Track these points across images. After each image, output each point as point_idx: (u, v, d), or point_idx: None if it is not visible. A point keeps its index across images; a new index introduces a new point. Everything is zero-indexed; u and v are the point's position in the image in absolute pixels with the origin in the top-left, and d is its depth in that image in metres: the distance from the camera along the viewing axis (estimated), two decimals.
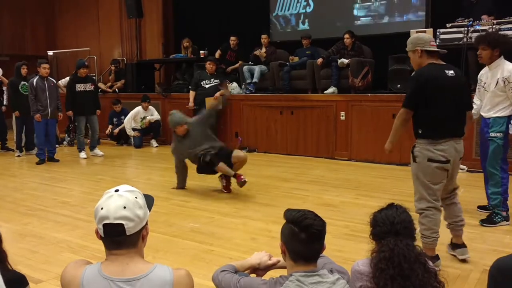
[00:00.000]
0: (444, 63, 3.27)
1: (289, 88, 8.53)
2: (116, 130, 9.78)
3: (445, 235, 3.44)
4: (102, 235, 1.64)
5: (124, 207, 1.61)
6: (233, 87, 9.16)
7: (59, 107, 7.93)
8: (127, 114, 9.58)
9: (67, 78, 10.26)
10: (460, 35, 6.62)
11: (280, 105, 8.36)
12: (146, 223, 1.69)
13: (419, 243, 2.05)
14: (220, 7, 10.61)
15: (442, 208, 3.31)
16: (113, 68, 11.23)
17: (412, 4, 8.49)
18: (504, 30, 6.05)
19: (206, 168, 5.42)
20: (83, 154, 8.23)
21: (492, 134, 4.16)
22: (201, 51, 9.85)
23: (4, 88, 9.02)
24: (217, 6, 10.64)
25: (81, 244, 3.88)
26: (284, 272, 1.91)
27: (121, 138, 9.86)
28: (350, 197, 5.33)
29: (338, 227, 4.20)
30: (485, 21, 6.58)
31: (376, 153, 7.31)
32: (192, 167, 5.70)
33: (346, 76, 7.86)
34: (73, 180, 6.54)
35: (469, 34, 6.51)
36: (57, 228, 4.37)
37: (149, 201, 1.76)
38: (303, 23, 9.73)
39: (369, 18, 8.99)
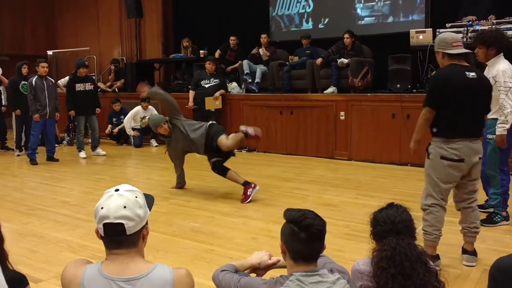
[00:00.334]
0: (467, 64, 3.26)
1: (289, 88, 8.52)
2: (116, 130, 9.78)
3: (446, 235, 3.44)
4: (102, 235, 1.63)
5: (124, 207, 1.60)
6: (233, 87, 9.16)
7: (57, 107, 7.92)
8: (126, 114, 9.59)
9: (67, 78, 10.27)
10: (460, 35, 6.60)
11: (280, 105, 8.36)
12: (147, 223, 1.69)
13: (420, 242, 2.05)
14: (220, 7, 10.60)
15: (446, 207, 3.29)
16: (112, 67, 11.22)
17: (412, 4, 8.48)
18: (504, 30, 6.04)
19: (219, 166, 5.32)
20: (82, 154, 8.23)
21: (489, 136, 4.10)
22: (201, 51, 9.85)
23: (1, 88, 8.99)
24: (217, 6, 10.64)
25: (81, 244, 3.88)
26: (284, 271, 1.91)
27: (121, 138, 9.86)
28: (350, 197, 5.33)
29: (338, 226, 4.20)
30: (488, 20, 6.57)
31: (376, 153, 7.32)
32: (189, 165, 5.68)
33: (346, 76, 7.86)
34: (73, 180, 6.54)
35: (469, 34, 6.51)
36: (57, 227, 4.37)
37: (149, 200, 1.75)
38: (303, 23, 9.72)
39: (370, 18, 8.99)
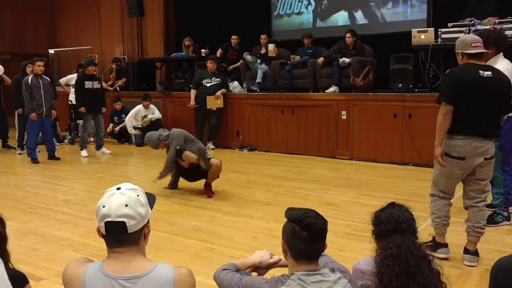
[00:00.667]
0: (484, 63, 3.27)
1: (290, 87, 8.52)
2: (117, 129, 9.79)
3: (448, 235, 3.44)
4: (104, 233, 1.63)
5: (126, 205, 1.60)
6: (234, 86, 9.16)
7: (53, 105, 7.91)
8: (127, 113, 9.60)
9: (68, 77, 10.31)
10: (462, 35, 6.60)
11: (281, 104, 8.35)
12: (148, 221, 1.69)
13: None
14: (221, 6, 10.60)
15: (449, 199, 3.38)
16: (114, 66, 11.24)
17: (414, 4, 8.47)
18: (505, 30, 6.04)
19: (191, 173, 5.38)
20: (84, 152, 8.23)
21: None
22: (202, 50, 9.85)
23: None
24: (218, 5, 10.64)
25: (82, 242, 3.88)
26: (285, 271, 1.91)
27: (122, 137, 9.87)
28: (351, 196, 5.33)
29: (340, 226, 4.20)
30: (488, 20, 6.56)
31: (377, 153, 7.31)
32: None
33: (347, 75, 7.84)
34: (75, 178, 6.55)
35: (471, 34, 6.49)
36: (59, 226, 4.37)
37: (151, 199, 1.76)
38: (305, 22, 9.71)
39: (370, 18, 8.97)
